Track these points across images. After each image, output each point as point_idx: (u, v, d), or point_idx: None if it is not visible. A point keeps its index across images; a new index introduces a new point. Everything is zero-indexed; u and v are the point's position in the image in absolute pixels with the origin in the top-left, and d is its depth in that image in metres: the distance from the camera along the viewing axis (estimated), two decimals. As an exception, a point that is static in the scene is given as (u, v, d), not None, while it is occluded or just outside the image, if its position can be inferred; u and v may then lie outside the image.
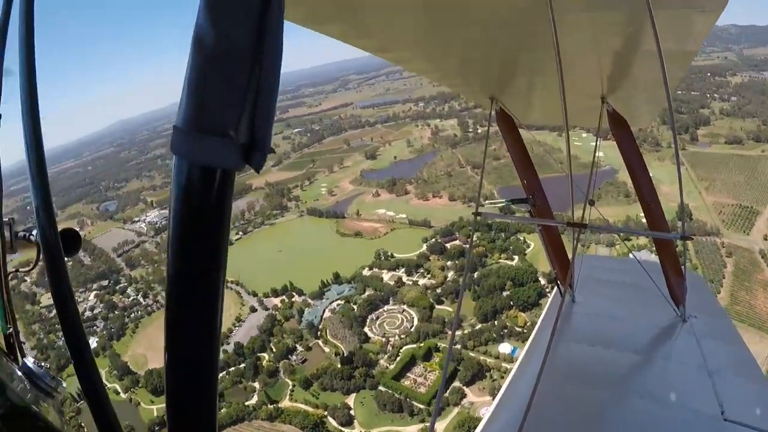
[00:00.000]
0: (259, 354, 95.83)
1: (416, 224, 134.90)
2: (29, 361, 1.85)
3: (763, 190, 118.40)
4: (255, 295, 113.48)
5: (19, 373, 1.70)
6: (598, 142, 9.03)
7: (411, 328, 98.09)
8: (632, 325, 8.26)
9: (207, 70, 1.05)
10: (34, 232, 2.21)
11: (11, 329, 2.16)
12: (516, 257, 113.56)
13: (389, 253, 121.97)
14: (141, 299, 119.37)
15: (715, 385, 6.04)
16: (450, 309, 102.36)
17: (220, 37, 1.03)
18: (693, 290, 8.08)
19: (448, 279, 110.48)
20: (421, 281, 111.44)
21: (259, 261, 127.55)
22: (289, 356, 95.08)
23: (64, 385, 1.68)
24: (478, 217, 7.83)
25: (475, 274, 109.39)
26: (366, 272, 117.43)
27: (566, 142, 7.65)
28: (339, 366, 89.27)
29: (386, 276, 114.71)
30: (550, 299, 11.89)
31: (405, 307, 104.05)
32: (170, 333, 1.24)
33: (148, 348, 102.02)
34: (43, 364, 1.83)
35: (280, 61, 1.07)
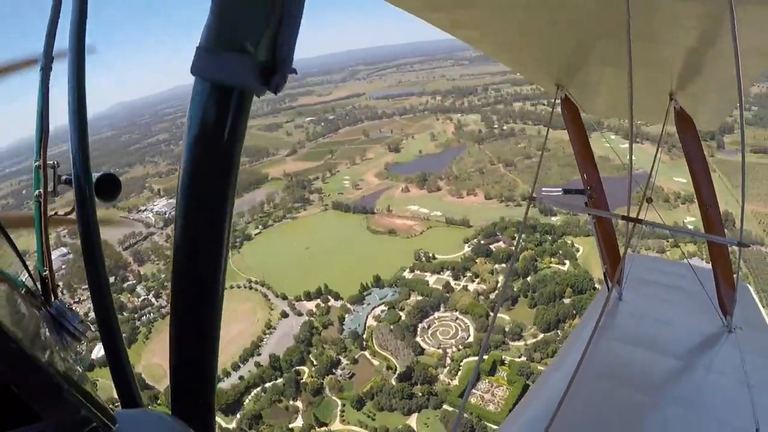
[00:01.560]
0: (298, 368, 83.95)
1: (454, 223, 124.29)
2: (61, 303, 1.95)
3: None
4: (284, 298, 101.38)
5: (34, 312, 1.71)
6: (662, 137, 8.21)
7: (468, 338, 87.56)
8: (676, 330, 7.95)
9: None
10: None
11: (47, 271, 2.29)
12: (567, 262, 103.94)
13: (430, 254, 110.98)
14: (153, 299, 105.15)
15: (753, 401, 5.72)
16: (507, 317, 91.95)
17: None
18: (741, 301, 7.88)
19: (499, 284, 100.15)
20: (471, 286, 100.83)
21: (284, 259, 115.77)
22: (334, 370, 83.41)
23: (93, 329, 1.74)
24: (533, 205, 7.87)
25: (528, 279, 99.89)
26: (407, 274, 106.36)
27: (630, 135, 7.04)
28: (395, 383, 78.13)
29: (431, 279, 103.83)
30: (597, 294, 11.27)
31: (458, 314, 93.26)
32: (178, 256, 1.27)
33: (165, 357, 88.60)
34: (74, 307, 1.93)
35: None
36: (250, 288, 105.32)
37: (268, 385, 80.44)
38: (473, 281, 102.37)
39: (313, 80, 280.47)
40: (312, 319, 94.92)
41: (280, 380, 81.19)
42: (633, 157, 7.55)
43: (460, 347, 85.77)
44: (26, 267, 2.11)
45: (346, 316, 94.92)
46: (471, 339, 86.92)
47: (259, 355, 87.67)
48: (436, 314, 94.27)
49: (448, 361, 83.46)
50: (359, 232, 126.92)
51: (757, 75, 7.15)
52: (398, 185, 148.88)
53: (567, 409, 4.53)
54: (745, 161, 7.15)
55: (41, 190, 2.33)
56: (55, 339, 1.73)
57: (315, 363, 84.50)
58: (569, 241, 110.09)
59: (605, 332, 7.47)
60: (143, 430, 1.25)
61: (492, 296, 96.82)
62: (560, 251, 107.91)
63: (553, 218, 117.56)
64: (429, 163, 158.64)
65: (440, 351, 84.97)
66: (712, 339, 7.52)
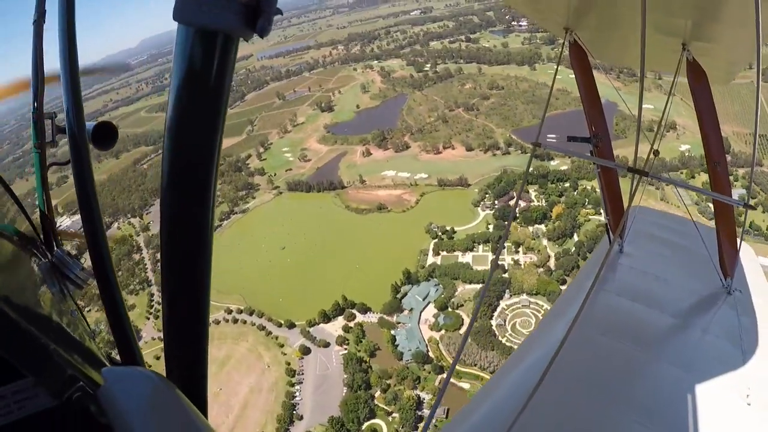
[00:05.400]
0: (371, 422, 57.93)
1: (449, 184, 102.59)
2: (62, 251, 2.00)
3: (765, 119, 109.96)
4: (291, 326, 72.49)
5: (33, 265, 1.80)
6: (672, 90, 7.36)
7: (557, 326, 68.07)
8: (676, 288, 7.52)
9: None
10: None
11: (49, 221, 2.33)
12: (602, 211, 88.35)
13: (447, 228, 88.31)
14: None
15: (746, 366, 5.59)
16: (580, 289, 74.38)
17: None
18: (742, 263, 7.39)
19: (549, 250, 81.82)
20: (522, 259, 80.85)
21: (260, 269, 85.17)
22: (419, 412, 58.79)
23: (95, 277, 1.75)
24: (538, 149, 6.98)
25: (580, 239, 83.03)
26: (435, 259, 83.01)
27: (641, 84, 6.24)
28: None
29: (467, 259, 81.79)
30: (597, 246, 11.79)
31: (528, 298, 73.17)
32: (165, 212, 1.26)
33: None
34: (75, 254, 1.99)
35: None
36: (236, 320, 74.02)
37: (344, 465, 53.67)
38: (518, 252, 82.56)
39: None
40: (347, 348, 67.95)
41: (357, 452, 54.86)
42: (637, 106, 6.72)
43: (557, 340, 66.18)
44: (27, 217, 2.17)
45: (394, 333, 69.46)
46: (564, 326, 67.57)
47: (301, 419, 59.51)
48: (502, 303, 73.19)
49: (556, 362, 63.57)
50: (338, 214, 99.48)
51: None
52: (354, 149, 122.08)
53: (563, 359, 4.23)
54: (758, 120, 6.99)
55: (39, 140, 2.39)
56: (55, 289, 1.77)
57: (390, 411, 59.07)
58: (588, 186, 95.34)
59: (605, 285, 7.10)
60: (130, 389, 1.24)
61: (552, 267, 78.33)
62: (587, 200, 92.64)
63: (552, 162, 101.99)
64: (374, 117, 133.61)
65: (539, 351, 64.46)
66: (711, 300, 7.11)
